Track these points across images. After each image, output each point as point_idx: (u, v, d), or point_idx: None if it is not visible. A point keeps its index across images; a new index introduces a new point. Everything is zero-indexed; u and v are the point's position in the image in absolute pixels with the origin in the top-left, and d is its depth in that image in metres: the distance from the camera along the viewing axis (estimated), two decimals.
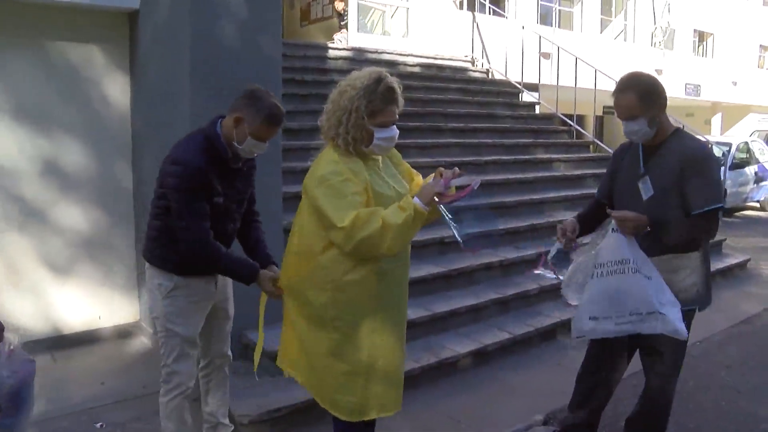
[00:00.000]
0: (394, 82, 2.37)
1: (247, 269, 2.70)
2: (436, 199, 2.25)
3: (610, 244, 2.61)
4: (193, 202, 2.58)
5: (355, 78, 2.36)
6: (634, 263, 2.56)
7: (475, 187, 2.28)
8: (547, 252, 2.85)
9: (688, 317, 2.79)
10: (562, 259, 2.80)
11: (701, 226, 2.68)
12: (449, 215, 2.31)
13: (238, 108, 2.62)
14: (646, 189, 2.75)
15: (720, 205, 2.64)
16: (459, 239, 2.33)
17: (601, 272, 2.61)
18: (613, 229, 2.61)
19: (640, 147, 2.84)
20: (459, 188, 2.31)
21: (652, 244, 2.66)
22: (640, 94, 2.67)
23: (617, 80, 2.78)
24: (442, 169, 2.38)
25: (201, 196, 2.59)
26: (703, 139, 9.01)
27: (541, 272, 2.92)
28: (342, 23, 10.38)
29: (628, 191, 2.82)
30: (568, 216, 3.16)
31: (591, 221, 2.96)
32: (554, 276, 2.82)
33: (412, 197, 2.27)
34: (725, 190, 10.10)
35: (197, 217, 2.59)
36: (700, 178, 2.63)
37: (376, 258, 2.32)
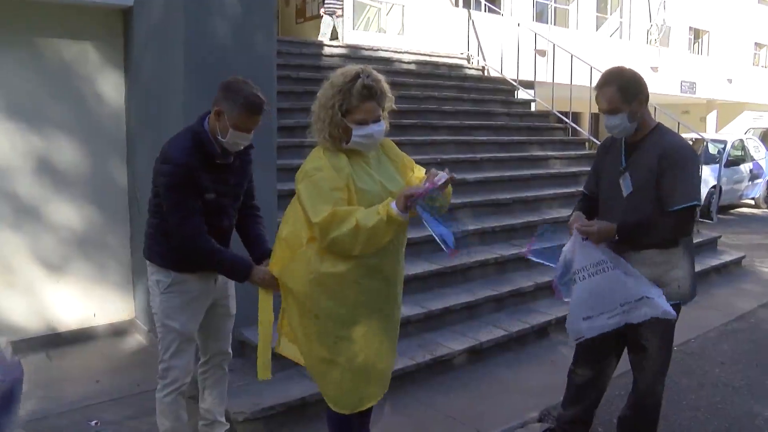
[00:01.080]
0: (374, 80, 2.34)
1: (240, 266, 2.69)
2: (408, 204, 2.20)
3: (581, 252, 2.70)
4: (182, 198, 2.59)
5: (336, 75, 2.37)
6: (610, 262, 2.66)
7: (437, 185, 2.22)
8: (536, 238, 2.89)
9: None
10: (550, 237, 2.85)
11: (676, 225, 2.68)
12: (429, 219, 2.26)
13: (218, 101, 2.62)
14: (626, 185, 2.76)
15: (695, 203, 2.63)
16: (440, 242, 2.29)
17: (582, 276, 2.70)
18: (583, 238, 2.69)
19: (622, 143, 2.84)
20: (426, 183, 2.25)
21: (629, 242, 2.69)
22: (622, 88, 2.68)
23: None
24: (434, 170, 2.35)
25: (190, 192, 2.59)
26: (698, 136, 9.02)
27: (531, 257, 2.96)
28: None
29: (610, 188, 2.83)
30: (564, 213, 3.17)
31: (591, 214, 2.97)
32: (542, 261, 2.88)
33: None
34: (720, 187, 10.11)
35: (188, 213, 2.59)
36: (677, 174, 2.63)
37: (356, 256, 2.30)
